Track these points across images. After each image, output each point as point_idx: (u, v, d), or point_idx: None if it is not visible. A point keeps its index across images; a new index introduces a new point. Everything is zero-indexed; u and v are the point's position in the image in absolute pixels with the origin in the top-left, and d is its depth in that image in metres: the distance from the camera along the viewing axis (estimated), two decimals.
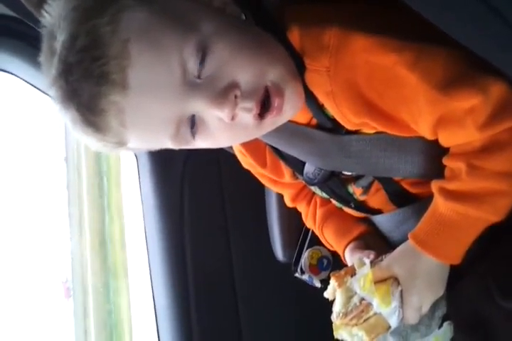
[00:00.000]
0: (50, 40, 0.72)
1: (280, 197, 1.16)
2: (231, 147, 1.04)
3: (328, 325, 0.85)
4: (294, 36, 0.77)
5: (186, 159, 1.38)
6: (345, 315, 0.82)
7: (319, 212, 1.03)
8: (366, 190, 0.92)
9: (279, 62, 0.74)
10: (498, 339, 0.82)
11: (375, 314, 0.81)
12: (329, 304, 0.87)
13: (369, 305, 0.81)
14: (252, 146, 0.97)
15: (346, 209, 0.99)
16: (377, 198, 0.92)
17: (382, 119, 0.76)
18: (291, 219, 1.27)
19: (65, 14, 0.70)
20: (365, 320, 0.82)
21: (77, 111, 0.71)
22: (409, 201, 0.88)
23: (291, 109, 0.76)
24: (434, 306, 0.84)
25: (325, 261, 1.12)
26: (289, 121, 0.81)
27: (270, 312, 1.44)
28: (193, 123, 0.72)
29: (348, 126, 0.81)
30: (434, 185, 0.78)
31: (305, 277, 1.12)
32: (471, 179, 0.74)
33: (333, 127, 0.83)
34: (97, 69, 0.66)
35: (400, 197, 0.89)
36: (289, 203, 1.09)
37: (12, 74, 1.31)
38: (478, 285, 0.83)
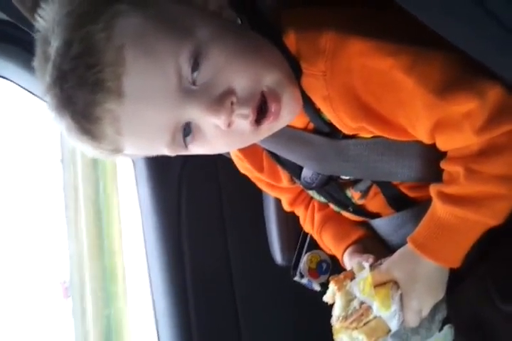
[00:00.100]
0: (43, 45, 0.71)
1: (278, 200, 1.16)
2: (228, 152, 1.04)
3: (328, 328, 0.85)
4: (290, 40, 0.77)
5: (184, 162, 1.38)
6: (345, 318, 0.82)
7: (317, 216, 1.03)
8: (364, 194, 0.91)
9: (276, 67, 0.74)
10: None
11: (375, 317, 0.81)
12: (328, 307, 0.87)
13: (369, 308, 0.81)
14: (249, 151, 0.96)
15: (344, 214, 0.98)
16: (375, 202, 0.92)
17: (379, 123, 0.76)
18: (290, 222, 1.27)
19: (58, 19, 0.69)
20: (365, 324, 0.82)
21: (72, 119, 0.70)
22: (408, 205, 0.88)
23: (288, 115, 0.76)
24: (435, 309, 0.84)
25: (324, 265, 1.12)
26: (286, 125, 0.80)
27: (269, 315, 1.44)
28: (189, 131, 0.72)
29: (345, 131, 0.81)
30: (433, 189, 0.78)
31: (304, 281, 1.12)
32: (469, 183, 0.73)
33: (330, 131, 0.82)
34: (92, 77, 0.66)
35: (398, 201, 0.89)
36: (286, 207, 1.09)
37: (7, 79, 1.31)
38: (477, 288, 0.83)
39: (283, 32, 0.77)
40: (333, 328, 0.84)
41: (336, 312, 0.84)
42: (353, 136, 0.82)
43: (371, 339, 0.81)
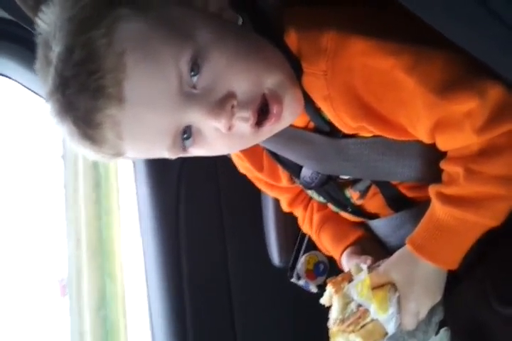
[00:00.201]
0: (45, 48, 0.72)
1: (277, 201, 1.15)
2: None
3: (325, 330, 0.84)
4: (292, 39, 0.77)
5: (183, 162, 1.37)
6: (342, 321, 0.82)
7: (316, 217, 1.03)
8: (363, 194, 0.91)
9: (277, 68, 0.74)
10: None
11: (372, 320, 0.81)
12: (325, 309, 0.86)
13: (366, 311, 0.81)
14: (249, 150, 0.96)
15: (343, 214, 0.98)
16: (374, 202, 0.92)
17: (379, 123, 0.76)
18: (288, 224, 1.27)
19: (60, 24, 0.69)
20: (362, 327, 0.81)
21: (74, 125, 0.71)
22: (407, 205, 0.88)
23: (290, 116, 0.76)
24: (432, 312, 0.84)
25: (321, 266, 1.11)
26: None
27: (266, 317, 1.44)
28: (190, 134, 0.72)
29: (345, 130, 0.80)
30: (432, 190, 0.78)
31: (301, 282, 1.11)
32: (469, 183, 0.73)
33: (331, 131, 0.82)
34: (93, 84, 0.66)
35: (397, 202, 0.89)
36: (285, 208, 1.09)
37: (9, 77, 1.31)
38: (475, 291, 0.83)
39: (284, 31, 0.77)
40: (330, 331, 0.84)
41: (333, 315, 0.84)
42: (353, 136, 0.82)
43: None
